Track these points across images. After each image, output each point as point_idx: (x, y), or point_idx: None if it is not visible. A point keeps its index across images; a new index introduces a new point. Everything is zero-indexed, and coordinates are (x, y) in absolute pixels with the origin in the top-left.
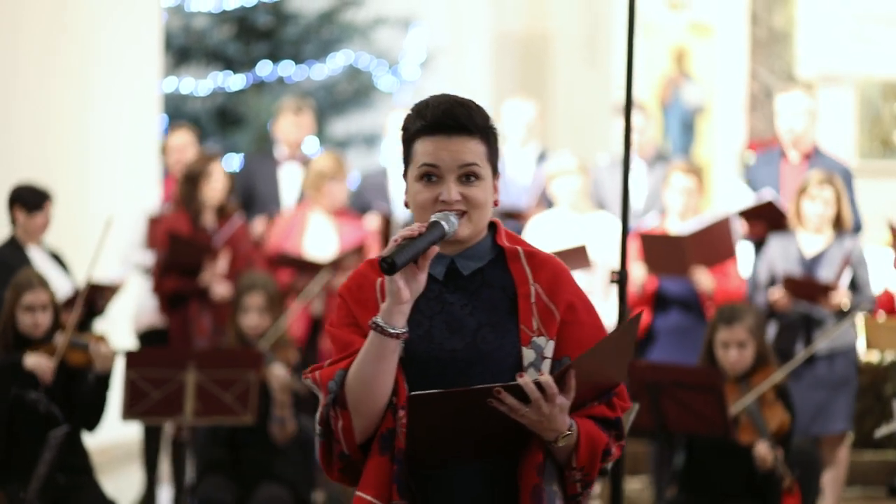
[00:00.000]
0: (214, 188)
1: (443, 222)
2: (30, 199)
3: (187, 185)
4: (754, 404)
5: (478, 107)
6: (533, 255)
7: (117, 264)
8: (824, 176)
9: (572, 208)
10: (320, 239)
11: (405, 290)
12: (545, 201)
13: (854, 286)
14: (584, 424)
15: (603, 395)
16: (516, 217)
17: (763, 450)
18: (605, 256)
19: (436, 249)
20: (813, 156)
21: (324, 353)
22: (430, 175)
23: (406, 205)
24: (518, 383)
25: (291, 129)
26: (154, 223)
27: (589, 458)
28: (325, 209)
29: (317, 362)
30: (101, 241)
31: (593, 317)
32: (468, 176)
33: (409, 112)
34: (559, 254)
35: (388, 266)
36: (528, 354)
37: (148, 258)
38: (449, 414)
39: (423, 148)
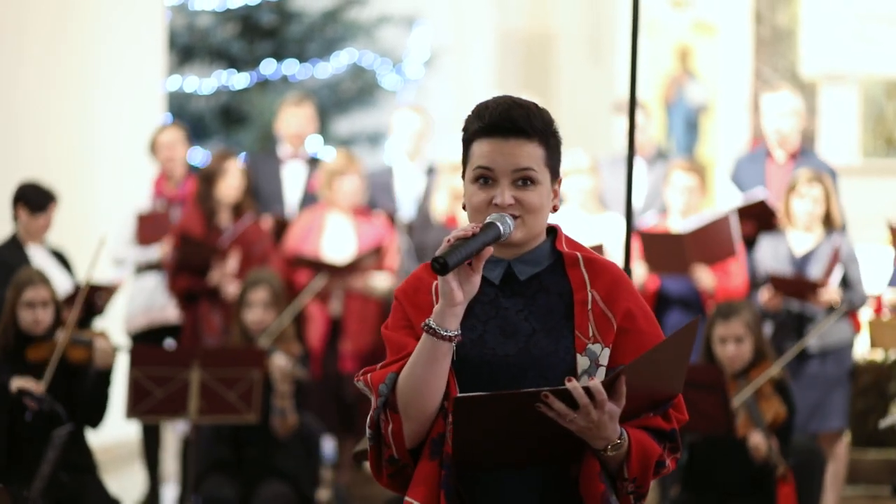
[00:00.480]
0: (230, 186)
1: (498, 223)
2: (34, 200)
3: (203, 183)
4: (751, 397)
5: (538, 109)
6: (592, 261)
7: (108, 261)
8: (813, 174)
9: (582, 208)
10: (339, 240)
11: (458, 291)
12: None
13: (845, 283)
14: (637, 434)
15: (659, 406)
16: None
17: (756, 439)
18: (614, 257)
19: (490, 251)
20: (799, 156)
21: (343, 354)
22: (485, 177)
23: (464, 207)
24: (566, 388)
25: (293, 120)
26: (143, 220)
27: (641, 469)
28: (342, 209)
29: (337, 364)
30: (95, 257)
31: (652, 325)
32: (523, 180)
33: (470, 112)
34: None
35: (440, 266)
36: (583, 361)
37: (135, 255)
38: (496, 418)
39: (480, 150)
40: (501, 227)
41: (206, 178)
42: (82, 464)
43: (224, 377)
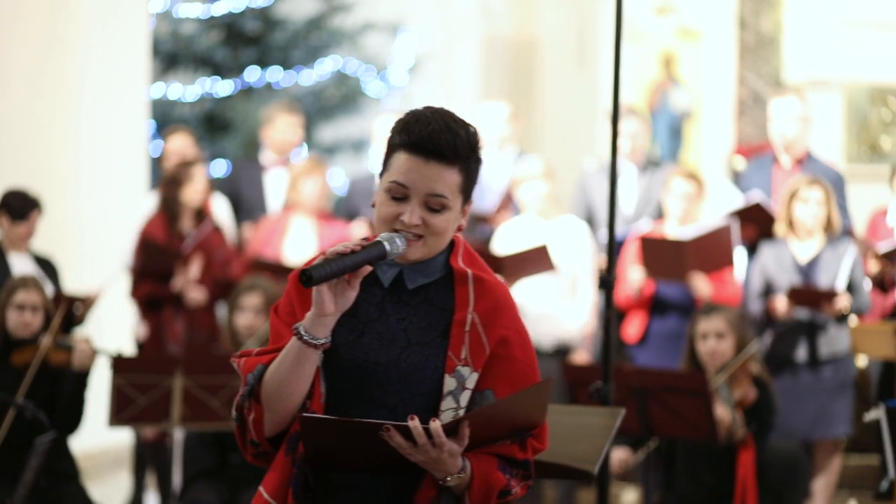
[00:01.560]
0: (196, 191)
1: (386, 243)
2: (15, 207)
3: (169, 188)
4: (724, 383)
5: (466, 133)
6: (481, 281)
7: (121, 270)
8: (811, 178)
9: (539, 214)
10: (301, 243)
11: (330, 304)
12: (514, 206)
13: (851, 289)
14: (482, 464)
15: (517, 435)
16: (483, 220)
17: (720, 410)
18: (570, 261)
19: (368, 268)
20: (805, 161)
21: None
22: (398, 192)
23: (373, 205)
24: (407, 425)
25: (286, 129)
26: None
27: (482, 497)
28: (305, 212)
29: None
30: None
31: (527, 354)
32: (434, 205)
33: (400, 118)
34: (521, 254)
35: (305, 279)
36: (450, 382)
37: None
38: (342, 439)
39: (399, 163)
40: (388, 247)
41: (172, 183)
42: (65, 471)
43: (207, 384)
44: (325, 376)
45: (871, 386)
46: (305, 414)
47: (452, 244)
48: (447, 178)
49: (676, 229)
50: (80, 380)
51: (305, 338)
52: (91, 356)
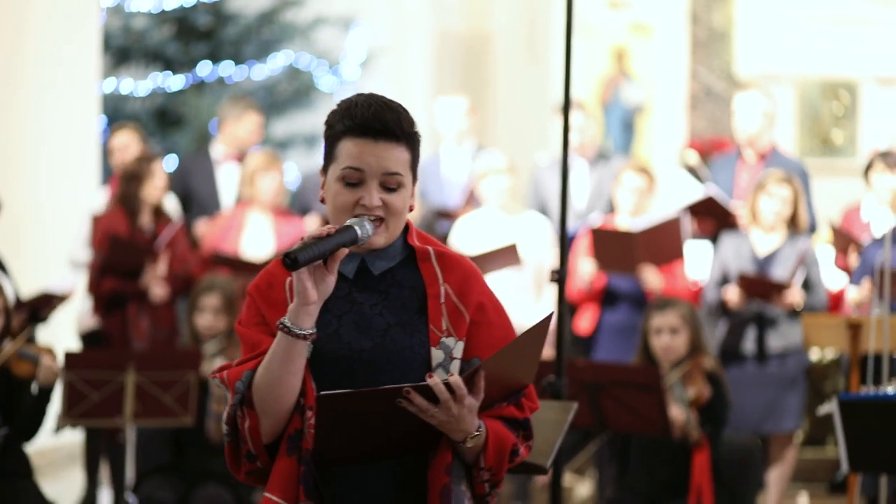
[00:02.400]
0: (156, 187)
1: (356, 227)
2: None
3: (128, 184)
4: (678, 380)
5: (405, 111)
6: (443, 256)
7: (66, 264)
8: (783, 175)
9: (501, 209)
10: (258, 238)
11: (312, 291)
12: (475, 200)
13: (807, 286)
14: (493, 425)
15: (511, 396)
16: (447, 216)
17: (675, 411)
18: (534, 257)
19: (344, 252)
20: (769, 156)
21: None
22: (352, 178)
23: (322, 200)
24: (427, 384)
25: (253, 129)
26: (97, 222)
27: (497, 458)
28: (262, 208)
29: None
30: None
31: (503, 317)
32: (391, 184)
33: (334, 109)
34: (490, 253)
35: (290, 262)
36: (437, 355)
37: (89, 257)
38: (358, 414)
39: (348, 149)
40: (359, 231)
41: (132, 179)
42: (18, 469)
43: (160, 380)
44: (312, 375)
45: (826, 379)
46: (323, 392)
47: (407, 227)
48: (398, 156)
49: (628, 222)
50: (43, 395)
51: (294, 330)
52: (55, 373)
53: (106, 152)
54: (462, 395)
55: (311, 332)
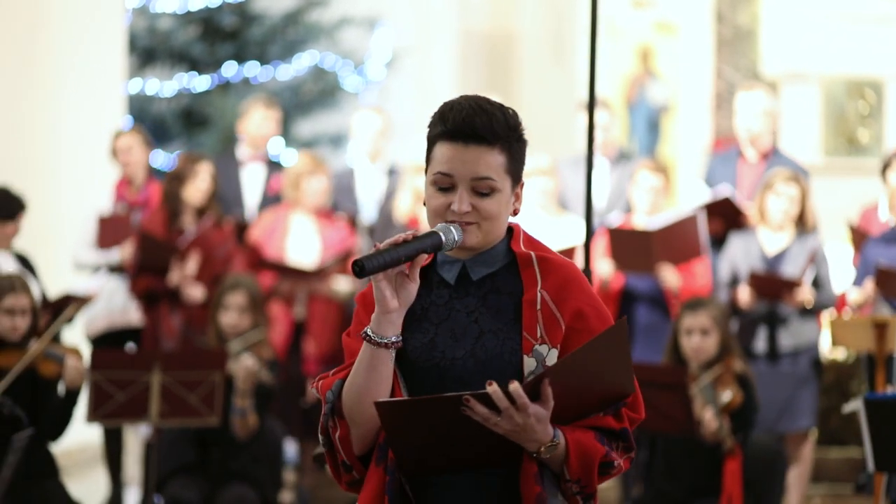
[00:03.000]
0: (199, 188)
1: (441, 234)
2: (5, 208)
3: (171, 184)
4: (709, 383)
5: (503, 114)
6: (545, 260)
7: (70, 263)
8: (791, 174)
9: (542, 209)
10: (303, 242)
11: (392, 299)
12: None
13: (816, 284)
14: (575, 435)
15: (610, 405)
16: None
17: (707, 415)
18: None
19: (424, 257)
20: (771, 156)
21: (306, 356)
22: (443, 183)
23: (424, 203)
24: (486, 392)
25: (262, 122)
26: (104, 223)
27: (582, 469)
28: (306, 210)
29: (300, 367)
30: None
31: (605, 324)
32: (482, 188)
33: (436, 111)
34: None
35: (357, 269)
36: (529, 363)
37: (95, 258)
38: (423, 422)
39: (440, 154)
40: (444, 237)
41: (175, 180)
42: (44, 469)
43: (185, 380)
44: (405, 384)
45: (852, 379)
46: (380, 399)
47: (511, 231)
48: (490, 160)
49: (644, 221)
50: (70, 396)
51: (375, 339)
52: (82, 373)
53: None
54: (523, 403)
55: (393, 340)
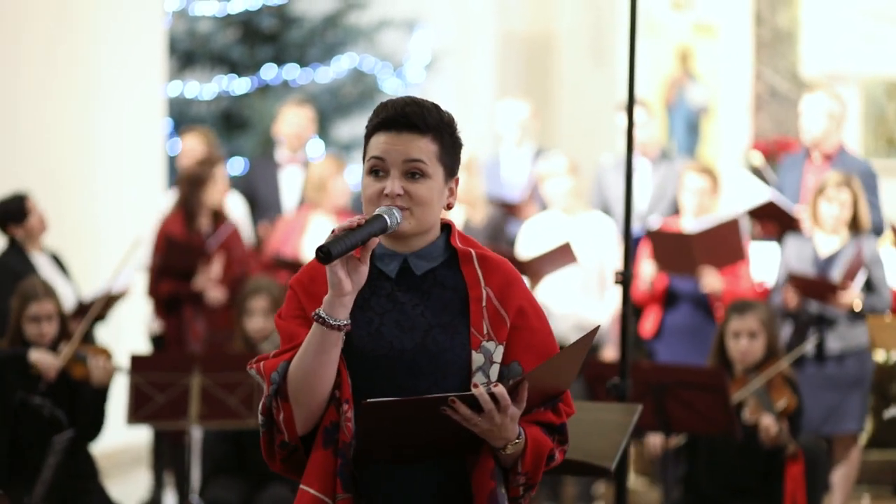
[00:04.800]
0: (218, 191)
1: (385, 216)
2: (15, 210)
3: (190, 186)
4: (762, 388)
5: (435, 108)
6: (485, 259)
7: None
8: (842, 178)
9: (564, 210)
10: (320, 240)
11: (346, 281)
12: (538, 199)
13: (869, 287)
14: (531, 431)
15: (549, 401)
16: (508, 208)
17: (767, 420)
18: (596, 256)
19: (376, 241)
20: (835, 157)
21: None
22: (377, 169)
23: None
24: (473, 393)
25: (294, 120)
26: (161, 226)
27: (534, 463)
28: (327, 211)
29: None
30: (126, 258)
31: (543, 323)
32: (413, 172)
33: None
34: (545, 255)
35: (323, 255)
36: (478, 358)
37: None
38: (401, 419)
39: (375, 142)
40: (388, 219)
41: (194, 182)
42: (84, 470)
43: (225, 382)
44: (350, 372)
45: (892, 381)
46: (370, 400)
47: (448, 227)
48: (421, 146)
49: (692, 224)
50: (99, 394)
51: (329, 321)
52: (109, 373)
53: (178, 155)
54: (506, 405)
55: (345, 322)
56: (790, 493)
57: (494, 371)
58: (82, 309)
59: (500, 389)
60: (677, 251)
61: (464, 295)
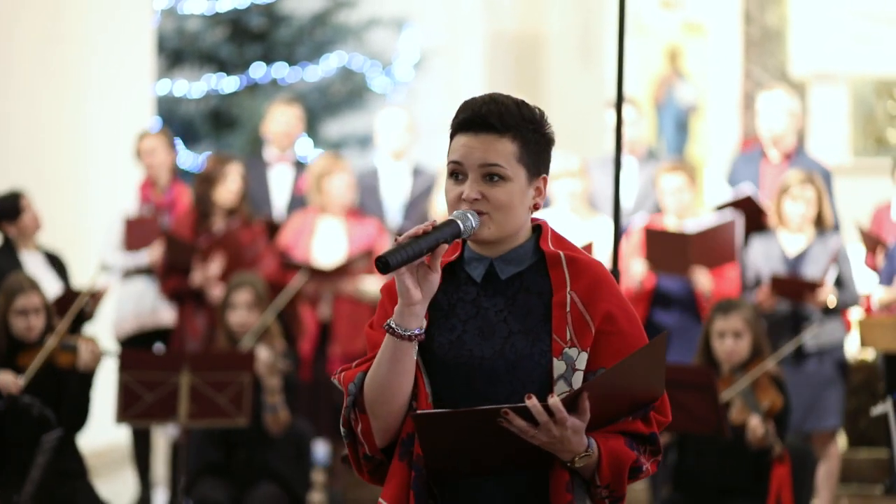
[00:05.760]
0: (230, 190)
1: (458, 221)
2: (8, 208)
3: (202, 186)
4: (748, 388)
5: (518, 106)
6: (575, 261)
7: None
8: (805, 175)
9: (572, 211)
10: (330, 242)
11: (415, 290)
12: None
13: (839, 283)
14: (608, 443)
15: (639, 409)
16: None
17: (754, 422)
18: (605, 261)
19: (446, 247)
20: (794, 156)
21: (332, 357)
22: (456, 172)
23: None
24: (525, 405)
25: (282, 118)
26: (130, 225)
27: (613, 476)
28: (333, 212)
29: (327, 368)
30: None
31: (635, 327)
32: (491, 175)
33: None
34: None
35: (381, 265)
36: (559, 366)
37: (122, 260)
38: (459, 431)
39: (455, 145)
40: (462, 225)
41: (206, 181)
42: (73, 469)
43: (214, 381)
44: (429, 380)
45: (878, 379)
46: (418, 412)
47: (539, 229)
48: (499, 148)
49: (674, 222)
50: (84, 380)
51: (398, 331)
52: (96, 357)
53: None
54: (562, 417)
55: (416, 332)
56: (775, 493)
57: (578, 379)
58: (65, 300)
59: (555, 401)
60: (672, 250)
61: (549, 300)
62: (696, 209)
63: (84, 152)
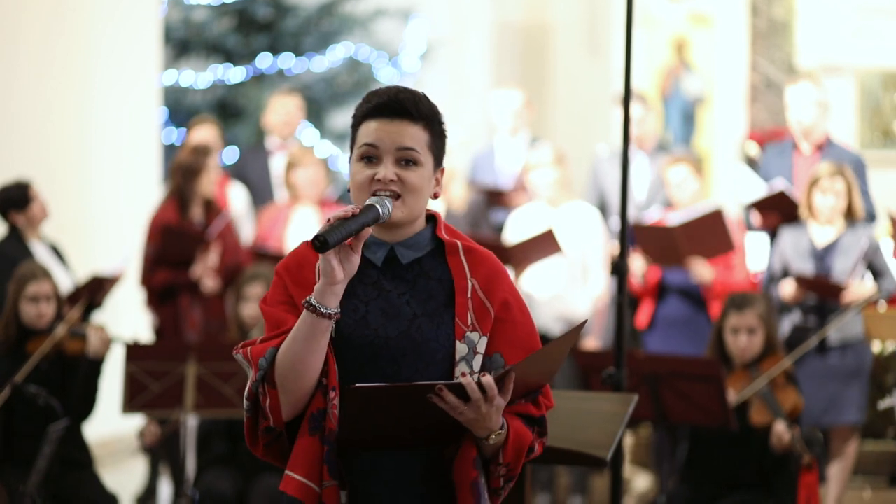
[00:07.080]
0: (211, 181)
1: (377, 205)
2: (17, 197)
3: (183, 176)
4: (767, 387)
5: (425, 97)
6: (471, 251)
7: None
8: (835, 168)
9: (548, 202)
10: (304, 232)
11: (339, 270)
12: (526, 187)
13: (876, 274)
14: (514, 423)
15: (530, 394)
16: (494, 196)
17: (780, 428)
18: (580, 246)
19: (369, 231)
20: (825, 146)
21: None
22: (369, 156)
23: (349, 189)
24: (461, 382)
25: (282, 109)
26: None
27: (515, 455)
28: (307, 201)
29: None
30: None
31: (526, 317)
32: (406, 160)
33: (360, 100)
34: (528, 241)
35: (320, 244)
36: (461, 348)
37: None
38: (386, 406)
39: (366, 129)
40: (381, 209)
41: (188, 172)
42: (79, 459)
43: (220, 371)
44: (336, 359)
45: (888, 372)
46: (357, 385)
47: (434, 219)
48: (414, 133)
49: (675, 216)
50: (93, 367)
51: (320, 309)
52: (105, 344)
53: (182, 146)
54: (493, 395)
55: (335, 311)
56: (804, 502)
57: (478, 362)
58: (76, 295)
59: (489, 379)
60: (662, 244)
61: (449, 286)
62: (705, 199)
63: (89, 142)
